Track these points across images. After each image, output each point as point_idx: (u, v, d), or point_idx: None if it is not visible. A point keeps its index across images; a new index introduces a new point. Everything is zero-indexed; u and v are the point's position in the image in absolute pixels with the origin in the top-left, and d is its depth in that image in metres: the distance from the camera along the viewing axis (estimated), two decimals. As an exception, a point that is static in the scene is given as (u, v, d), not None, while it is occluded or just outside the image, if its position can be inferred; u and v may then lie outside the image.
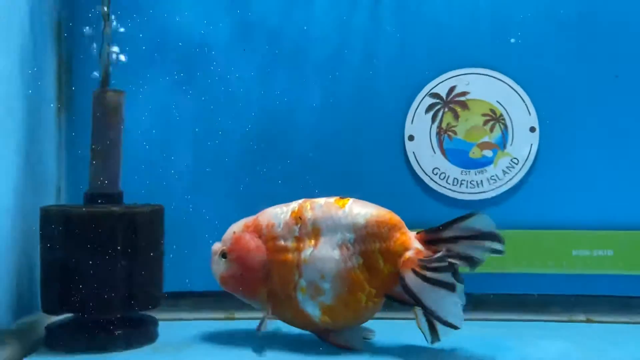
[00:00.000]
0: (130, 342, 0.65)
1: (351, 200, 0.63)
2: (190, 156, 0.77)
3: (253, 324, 0.69)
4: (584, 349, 0.66)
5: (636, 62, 0.77)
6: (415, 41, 0.77)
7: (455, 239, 0.59)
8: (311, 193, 0.69)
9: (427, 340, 0.60)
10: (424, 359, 0.61)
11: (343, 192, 0.69)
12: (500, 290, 0.79)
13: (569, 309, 0.79)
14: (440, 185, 0.77)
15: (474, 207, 0.78)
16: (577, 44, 0.78)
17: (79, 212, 0.63)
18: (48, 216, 0.64)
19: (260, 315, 0.64)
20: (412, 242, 0.60)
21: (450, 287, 0.57)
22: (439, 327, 0.59)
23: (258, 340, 0.66)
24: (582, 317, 0.78)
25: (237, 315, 0.73)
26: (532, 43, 0.78)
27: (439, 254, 0.58)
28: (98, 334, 0.65)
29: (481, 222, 0.59)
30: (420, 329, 0.60)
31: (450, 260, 0.57)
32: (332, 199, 0.63)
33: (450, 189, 0.77)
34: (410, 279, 0.58)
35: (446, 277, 0.57)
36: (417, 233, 0.62)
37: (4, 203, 0.63)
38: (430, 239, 0.60)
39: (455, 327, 0.58)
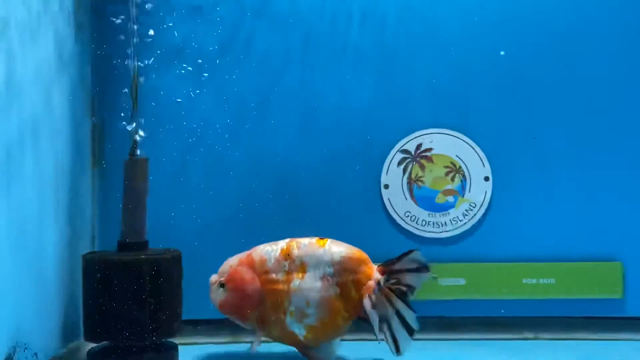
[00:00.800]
0: None
1: (329, 240, 0.76)
2: (197, 205, 0.89)
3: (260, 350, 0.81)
4: None
5: (569, 120, 0.89)
6: (389, 108, 0.90)
7: (399, 272, 0.73)
8: (305, 232, 0.79)
9: (392, 351, 0.72)
10: None
11: (331, 232, 0.80)
12: (464, 313, 0.90)
13: (520, 328, 0.90)
14: (412, 225, 0.90)
15: (441, 245, 0.91)
16: (524, 106, 0.89)
17: (114, 259, 0.75)
18: (89, 262, 0.75)
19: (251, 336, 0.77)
20: (374, 274, 0.74)
21: (402, 321, 0.70)
22: (400, 340, 0.71)
23: (259, 358, 0.78)
24: (530, 335, 0.89)
25: (242, 338, 0.85)
26: (485, 106, 0.90)
27: (392, 291, 0.71)
28: (130, 357, 0.75)
29: (416, 256, 0.73)
30: (386, 342, 0.72)
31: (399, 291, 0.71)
32: (314, 239, 0.76)
33: (419, 229, 0.90)
34: (367, 305, 0.72)
35: (399, 308, 0.70)
36: (378, 266, 0.75)
37: (55, 250, 0.75)
38: (387, 270, 0.74)
39: (398, 349, 0.71)
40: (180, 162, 0.89)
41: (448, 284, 0.88)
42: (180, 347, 0.79)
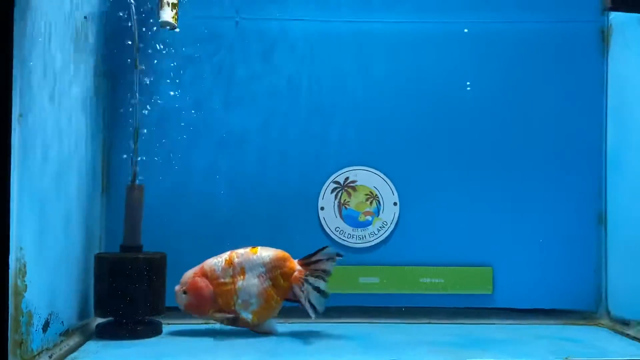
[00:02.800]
0: (146, 334, 0.95)
1: (259, 248, 0.96)
2: (179, 221, 1.08)
3: (220, 326, 1.00)
4: (417, 338, 0.97)
5: (456, 160, 1.10)
6: (326, 152, 1.10)
7: (318, 261, 0.95)
8: (260, 243, 0.99)
9: (311, 315, 0.94)
10: (314, 335, 0.96)
11: (280, 242, 1.00)
12: (377, 304, 1.09)
13: (418, 315, 1.09)
14: (340, 238, 1.10)
15: (361, 252, 1.10)
16: (424, 151, 1.10)
17: (118, 257, 0.95)
18: (100, 259, 0.95)
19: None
20: (296, 266, 0.96)
21: (322, 294, 0.95)
22: (318, 306, 0.94)
23: (224, 332, 0.97)
24: (425, 320, 1.08)
25: (211, 321, 1.02)
26: (395, 151, 1.10)
27: (315, 275, 0.94)
28: (127, 329, 0.94)
29: (328, 250, 0.95)
30: (307, 310, 0.95)
31: (319, 275, 0.95)
32: (248, 249, 0.96)
33: (346, 240, 1.11)
34: (298, 288, 0.96)
35: (319, 287, 0.95)
36: (298, 260, 0.96)
37: (75, 251, 0.94)
38: (305, 263, 0.96)
39: (319, 312, 0.94)
40: (168, 189, 1.09)
41: (366, 281, 1.09)
42: (164, 325, 1.00)
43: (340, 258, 0.97)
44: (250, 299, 0.96)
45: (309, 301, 0.96)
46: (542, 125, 1.13)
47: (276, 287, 0.97)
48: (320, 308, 0.96)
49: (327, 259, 0.97)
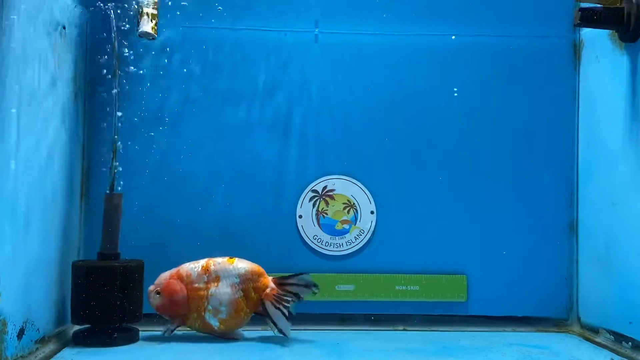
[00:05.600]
0: (123, 341, 0.96)
1: (236, 259, 0.99)
2: (157, 229, 1.10)
3: (190, 333, 1.01)
4: (391, 345, 0.99)
5: (431, 172, 1.12)
6: (306, 162, 1.12)
7: (292, 284, 0.99)
8: (239, 249, 1.03)
9: (274, 332, 0.97)
10: (288, 342, 0.97)
11: (259, 249, 1.05)
12: (353, 311, 1.12)
13: (394, 322, 1.12)
14: (318, 246, 1.13)
15: (339, 260, 1.13)
16: (400, 162, 1.12)
17: (96, 265, 0.97)
18: (77, 267, 0.97)
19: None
20: (269, 283, 0.99)
21: (286, 316, 0.97)
22: (284, 327, 0.97)
23: (199, 339, 0.99)
24: (401, 327, 1.11)
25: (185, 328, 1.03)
26: (372, 161, 1.12)
27: (285, 296, 0.97)
28: (104, 336, 0.95)
29: (306, 277, 0.99)
30: (271, 328, 0.98)
31: (289, 298, 0.97)
32: (225, 258, 0.99)
33: (324, 249, 1.13)
34: (268, 305, 0.98)
35: (285, 309, 0.97)
36: (272, 278, 0.99)
37: (53, 258, 0.95)
38: (279, 283, 0.99)
39: (286, 335, 0.97)
40: (146, 197, 1.11)
41: (342, 289, 1.11)
42: (141, 332, 1.01)
43: (316, 292, 0.99)
44: (220, 307, 0.97)
45: (274, 322, 0.98)
46: (516, 136, 1.16)
47: (247, 300, 0.99)
48: (286, 331, 0.98)
49: (301, 285, 0.99)
